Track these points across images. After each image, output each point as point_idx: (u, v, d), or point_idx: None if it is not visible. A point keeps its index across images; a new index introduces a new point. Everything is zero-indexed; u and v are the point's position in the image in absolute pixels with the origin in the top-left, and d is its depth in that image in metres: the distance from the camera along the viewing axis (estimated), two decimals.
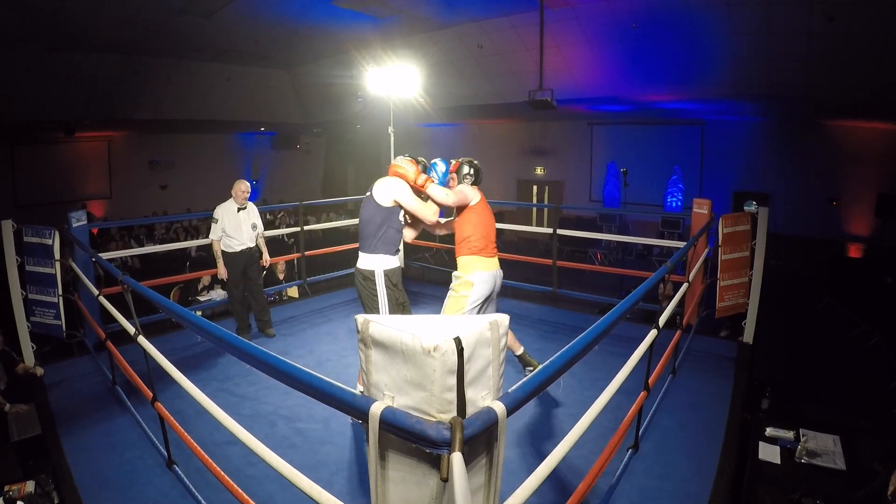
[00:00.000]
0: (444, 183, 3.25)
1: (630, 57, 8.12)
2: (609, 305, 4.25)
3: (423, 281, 6.36)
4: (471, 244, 3.23)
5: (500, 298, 3.55)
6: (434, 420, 1.11)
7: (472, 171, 3.32)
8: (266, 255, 4.65)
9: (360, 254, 3.03)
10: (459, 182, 3.32)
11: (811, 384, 4.91)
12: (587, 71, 8.74)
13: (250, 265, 4.49)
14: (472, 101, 10.73)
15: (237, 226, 4.38)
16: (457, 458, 0.97)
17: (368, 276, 2.97)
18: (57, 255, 3.99)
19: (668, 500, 2.45)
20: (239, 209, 4.41)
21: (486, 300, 3.28)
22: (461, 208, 3.27)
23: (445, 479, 1.00)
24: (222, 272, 4.39)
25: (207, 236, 4.47)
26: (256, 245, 4.57)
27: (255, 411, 3.28)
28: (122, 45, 8.59)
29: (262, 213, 4.74)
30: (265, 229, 4.84)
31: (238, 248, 4.41)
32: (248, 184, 4.52)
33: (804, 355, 5.75)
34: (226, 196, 4.47)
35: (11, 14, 6.69)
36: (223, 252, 4.39)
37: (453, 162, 3.38)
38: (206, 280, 6.35)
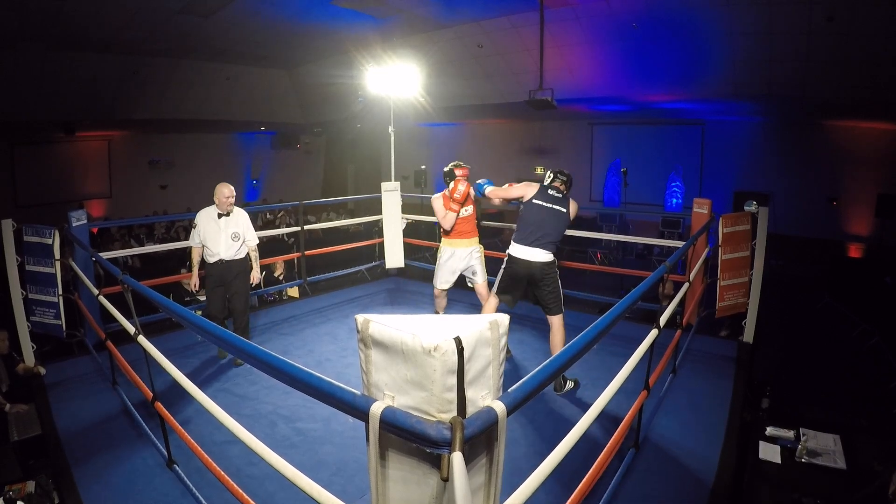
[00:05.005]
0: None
1: (630, 57, 8.11)
2: (609, 305, 4.24)
3: (424, 281, 6.35)
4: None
5: None
6: (434, 420, 1.11)
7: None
8: (256, 272, 4.06)
9: (541, 250, 3.57)
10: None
11: (811, 384, 4.91)
12: (587, 71, 8.74)
13: (229, 280, 3.90)
14: (472, 100, 10.72)
15: (214, 234, 3.84)
16: (457, 458, 0.97)
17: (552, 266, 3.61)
18: (57, 255, 3.97)
19: (668, 500, 2.45)
20: (220, 215, 3.87)
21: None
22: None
23: (446, 479, 1.00)
24: (194, 280, 3.87)
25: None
26: (244, 258, 3.98)
27: (255, 411, 3.28)
28: (122, 45, 8.58)
29: (263, 213, 4.48)
30: (266, 228, 4.62)
31: (212, 260, 3.86)
32: (232, 188, 3.93)
33: (804, 355, 5.75)
34: None
35: (11, 14, 6.69)
36: (203, 262, 3.93)
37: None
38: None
